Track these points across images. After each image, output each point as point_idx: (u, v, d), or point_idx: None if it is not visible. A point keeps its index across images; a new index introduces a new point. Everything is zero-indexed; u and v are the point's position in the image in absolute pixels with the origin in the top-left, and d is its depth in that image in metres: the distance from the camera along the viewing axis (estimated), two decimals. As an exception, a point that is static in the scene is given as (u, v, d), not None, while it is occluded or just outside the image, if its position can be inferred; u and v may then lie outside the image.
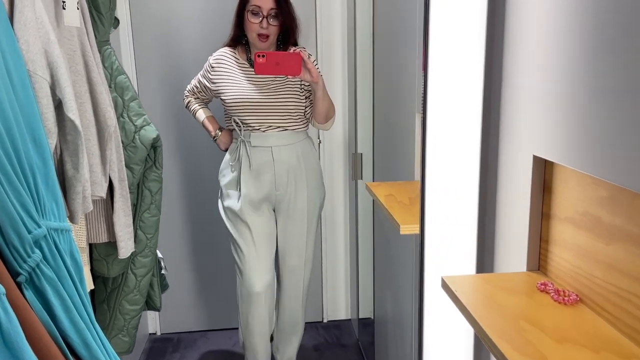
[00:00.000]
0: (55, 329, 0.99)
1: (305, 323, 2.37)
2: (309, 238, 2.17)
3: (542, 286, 0.88)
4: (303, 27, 2.59)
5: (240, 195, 2.07)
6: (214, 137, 2.17)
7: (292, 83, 2.03)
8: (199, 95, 2.21)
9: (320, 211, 2.21)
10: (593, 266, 0.79)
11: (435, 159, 1.02)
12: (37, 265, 0.98)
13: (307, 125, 2.13)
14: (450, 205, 1.05)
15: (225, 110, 2.10)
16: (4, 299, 0.81)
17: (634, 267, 0.70)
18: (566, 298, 0.83)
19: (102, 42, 1.60)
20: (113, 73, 1.63)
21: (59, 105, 1.29)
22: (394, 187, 1.53)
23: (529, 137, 0.93)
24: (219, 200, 2.17)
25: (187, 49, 2.56)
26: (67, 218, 1.42)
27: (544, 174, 0.91)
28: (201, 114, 2.20)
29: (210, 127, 2.18)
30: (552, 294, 0.85)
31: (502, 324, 0.76)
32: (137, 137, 1.66)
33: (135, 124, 1.66)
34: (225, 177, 2.13)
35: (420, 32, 1.53)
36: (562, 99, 0.83)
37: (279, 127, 2.03)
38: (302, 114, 2.07)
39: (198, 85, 2.18)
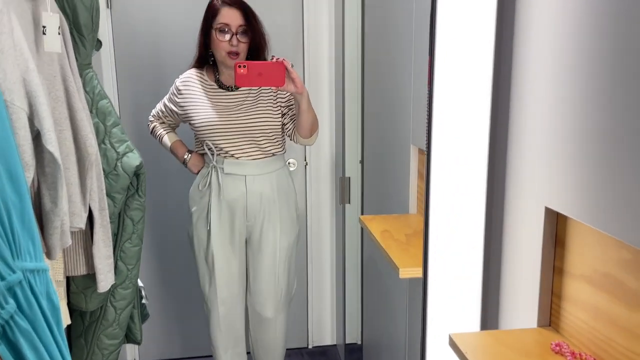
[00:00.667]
0: (30, 386, 0.91)
1: (290, 349, 2.30)
2: (281, 274, 2.06)
3: (557, 347, 0.83)
4: (290, 47, 2.55)
5: (209, 225, 1.99)
6: (183, 162, 2.08)
7: (265, 101, 1.94)
8: (165, 120, 2.11)
9: (295, 245, 2.11)
10: (614, 331, 0.75)
11: (439, 204, 0.97)
12: (11, 316, 0.90)
13: (284, 147, 2.04)
14: (454, 253, 1.00)
15: (195, 135, 2.01)
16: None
17: (662, 338, 0.66)
18: (584, 363, 0.78)
19: (84, 66, 1.53)
20: (95, 98, 1.55)
21: (37, 136, 1.21)
22: (389, 222, 1.48)
23: (539, 186, 0.89)
24: (189, 227, 2.09)
25: (172, 71, 2.46)
26: (44, 254, 1.34)
27: (556, 226, 0.86)
28: (168, 139, 2.10)
29: (178, 152, 2.08)
30: (568, 358, 0.80)
31: (520, 396, 0.71)
32: (119, 164, 1.58)
33: (118, 150, 1.59)
34: (195, 203, 2.04)
35: (414, 58, 1.49)
36: (580, 146, 0.79)
37: (254, 150, 1.94)
38: (279, 134, 1.98)
39: (164, 109, 2.09)
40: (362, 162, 2.31)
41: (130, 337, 1.83)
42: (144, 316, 1.92)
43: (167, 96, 2.08)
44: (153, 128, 2.14)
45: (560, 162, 0.84)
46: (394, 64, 1.71)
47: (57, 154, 1.22)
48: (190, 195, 2.07)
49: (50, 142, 1.21)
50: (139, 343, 1.85)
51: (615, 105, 0.71)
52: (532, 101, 0.92)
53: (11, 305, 0.89)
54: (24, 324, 0.91)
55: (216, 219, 1.98)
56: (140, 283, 1.87)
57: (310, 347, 2.89)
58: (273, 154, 1.98)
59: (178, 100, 2.01)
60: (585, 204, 0.76)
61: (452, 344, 0.85)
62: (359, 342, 2.64)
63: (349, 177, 2.44)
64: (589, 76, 0.77)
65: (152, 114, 2.14)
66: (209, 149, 1.96)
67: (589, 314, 0.81)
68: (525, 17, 0.94)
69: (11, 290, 0.90)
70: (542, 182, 0.88)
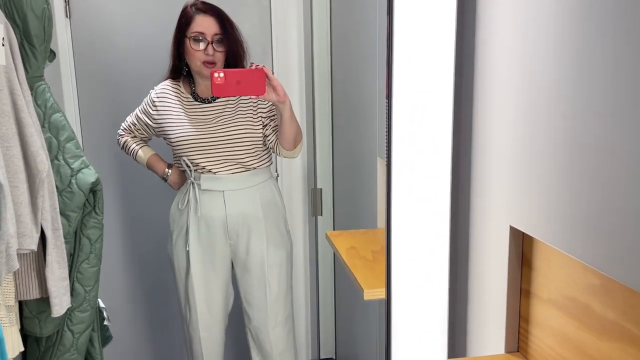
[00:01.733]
0: None
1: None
2: (279, 296, 1.93)
3: (524, 376, 0.79)
4: (259, 59, 2.50)
5: (187, 247, 1.89)
6: (164, 178, 1.96)
7: (244, 112, 1.84)
8: (137, 133, 1.99)
9: (290, 264, 1.98)
10: (582, 360, 0.71)
11: (402, 226, 0.92)
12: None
13: (269, 160, 1.94)
14: (419, 277, 0.95)
15: (173, 151, 1.91)
16: None
17: (632, 370, 0.62)
18: (552, 394, 0.74)
19: (35, 78, 1.45)
20: (47, 111, 1.48)
21: (-23, 154, 1.14)
22: (356, 238, 1.43)
23: (504, 204, 0.85)
24: (169, 247, 1.99)
25: (135, 81, 2.38)
26: (-12, 280, 1.26)
27: (522, 247, 0.82)
28: (143, 154, 1.97)
29: (157, 167, 1.96)
30: (536, 388, 0.76)
31: None
32: (73, 181, 1.51)
33: (72, 167, 1.51)
34: (174, 222, 1.94)
35: (378, 70, 1.45)
36: (544, 164, 0.75)
37: (234, 165, 1.85)
38: (260, 147, 1.87)
39: (137, 122, 1.97)
40: (333, 173, 2.26)
41: (90, 361, 1.74)
42: (105, 339, 1.83)
43: (140, 108, 1.96)
44: (124, 143, 2.01)
45: (525, 181, 0.80)
46: (360, 75, 1.67)
47: (-1, 174, 1.15)
48: (171, 214, 1.96)
49: (-9, 161, 1.13)
50: (99, 368, 1.76)
51: (580, 128, 0.67)
52: (496, 119, 0.88)
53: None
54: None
55: (194, 239, 1.88)
56: (101, 304, 1.79)
57: (284, 363, 2.82)
58: (254, 168, 1.87)
59: (153, 113, 1.91)
60: (550, 225, 0.72)
61: (415, 375, 0.80)
62: (334, 357, 2.59)
63: (321, 189, 2.39)
64: (552, 98, 0.73)
65: (122, 127, 2.02)
66: (186, 165, 1.86)
67: (557, 340, 0.76)
68: (485, 32, 0.91)
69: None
70: (507, 200, 0.84)
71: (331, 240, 1.42)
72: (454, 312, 0.99)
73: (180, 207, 1.91)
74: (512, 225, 0.81)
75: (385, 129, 0.94)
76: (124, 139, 2.02)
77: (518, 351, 0.86)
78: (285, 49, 2.53)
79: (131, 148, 2.00)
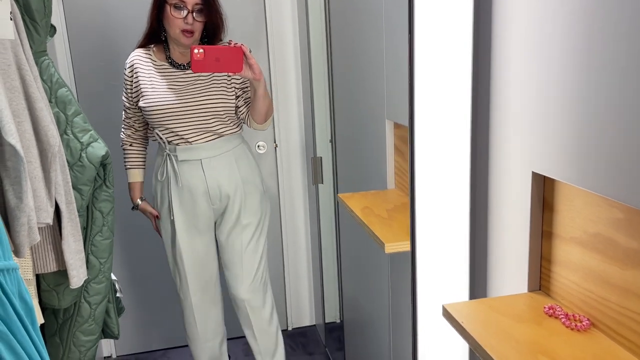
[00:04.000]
0: (9, 391, 0.87)
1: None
2: (250, 252, 2.00)
3: (550, 310, 0.84)
4: (252, 27, 2.49)
5: (172, 216, 1.94)
6: (132, 207, 2.05)
7: (218, 81, 1.86)
8: (135, 125, 2.00)
9: (267, 221, 2.06)
10: (607, 290, 0.75)
11: (423, 176, 0.96)
12: (-16, 320, 0.85)
13: (240, 127, 1.98)
14: (440, 222, 0.99)
15: (148, 121, 1.92)
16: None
17: (656, 294, 0.67)
18: (578, 324, 0.79)
19: (39, 53, 1.45)
20: (53, 86, 1.48)
21: (-5, 129, 1.14)
22: (368, 198, 1.46)
23: (524, 151, 0.88)
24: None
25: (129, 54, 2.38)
26: (12, 252, 1.28)
27: (543, 191, 0.86)
28: (129, 176, 2.04)
29: (132, 194, 2.04)
30: (562, 319, 0.81)
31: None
32: (84, 155, 1.52)
33: (81, 141, 1.52)
34: (156, 194, 2.00)
35: (385, 30, 1.46)
36: (564, 107, 0.79)
37: (208, 133, 1.87)
38: (233, 116, 1.91)
39: (127, 112, 1.98)
40: (332, 141, 2.28)
41: (107, 331, 1.78)
42: (119, 310, 1.87)
43: (123, 97, 1.98)
44: (123, 150, 2.06)
45: (544, 125, 0.83)
46: (363, 38, 1.67)
47: (18, 147, 1.16)
48: (153, 186, 2.02)
49: (11, 134, 1.14)
50: (116, 337, 1.80)
51: (596, 62, 0.71)
52: (514, 65, 0.91)
53: (-17, 307, 0.84)
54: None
55: (178, 207, 1.94)
56: (113, 277, 1.82)
57: (289, 329, 2.88)
58: (226, 135, 1.92)
59: (129, 87, 1.92)
60: (573, 166, 0.76)
61: (447, 315, 0.85)
62: (339, 321, 2.65)
63: (321, 157, 2.41)
64: (569, 36, 0.76)
65: (122, 126, 2.05)
66: (159, 138, 1.89)
67: (580, 275, 0.81)
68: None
69: (-19, 293, 0.85)
70: (528, 146, 0.88)
71: (344, 202, 1.45)
72: (474, 257, 1.04)
73: (160, 178, 1.96)
74: (535, 170, 0.85)
75: (408, 88, 0.97)
76: (123, 146, 2.06)
77: (540, 290, 0.91)
78: (280, 17, 2.52)
79: (126, 162, 2.06)
